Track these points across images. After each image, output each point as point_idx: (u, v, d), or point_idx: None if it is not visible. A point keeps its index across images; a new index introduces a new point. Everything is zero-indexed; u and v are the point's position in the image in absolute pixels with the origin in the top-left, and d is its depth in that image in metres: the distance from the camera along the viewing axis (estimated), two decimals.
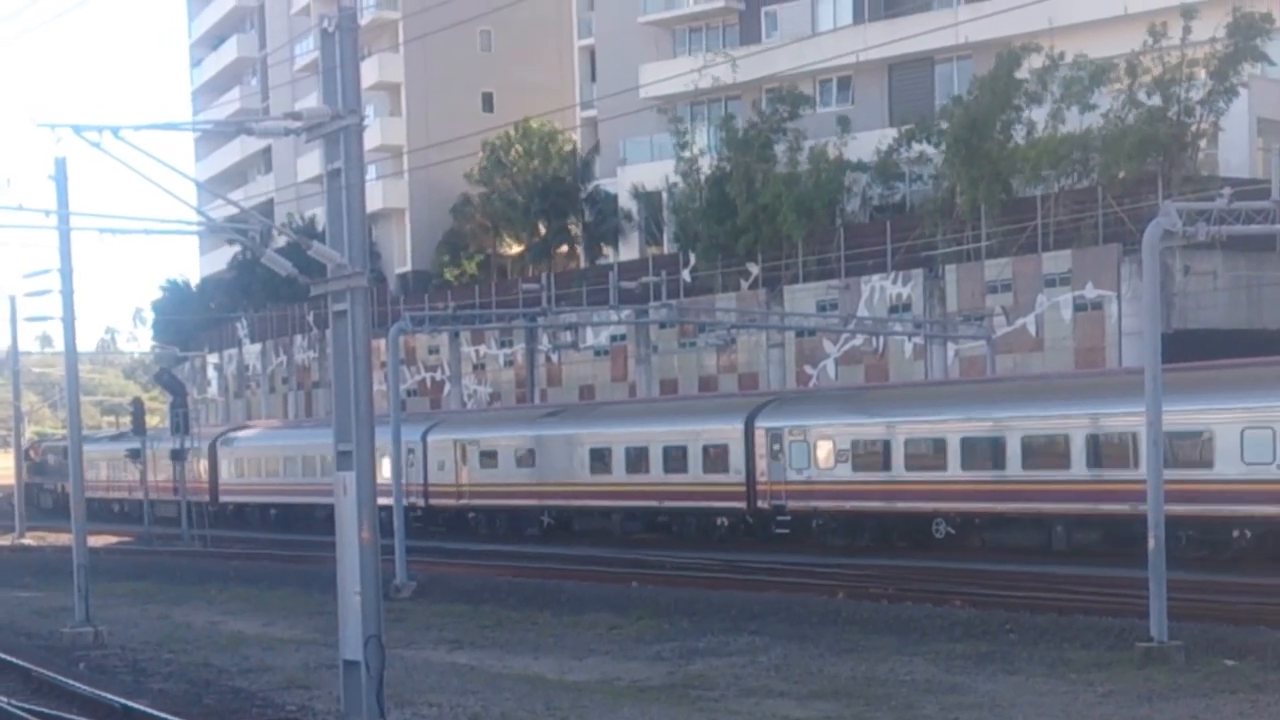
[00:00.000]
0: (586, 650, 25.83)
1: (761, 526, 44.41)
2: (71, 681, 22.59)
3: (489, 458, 52.62)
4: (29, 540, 63.98)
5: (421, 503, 54.41)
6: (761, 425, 44.19)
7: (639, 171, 70.03)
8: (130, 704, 20.07)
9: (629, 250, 72.18)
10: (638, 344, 64.76)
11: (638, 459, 47.43)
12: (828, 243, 58.65)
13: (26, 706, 20.28)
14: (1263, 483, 32.99)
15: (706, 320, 57.49)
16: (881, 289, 56.15)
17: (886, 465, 41.04)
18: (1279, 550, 33.12)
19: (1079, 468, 36.77)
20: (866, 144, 59.73)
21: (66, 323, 31.56)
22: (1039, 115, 53.00)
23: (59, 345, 39.17)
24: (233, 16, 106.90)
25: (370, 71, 79.36)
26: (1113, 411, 36.06)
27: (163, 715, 19.27)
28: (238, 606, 35.24)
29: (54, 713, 20.15)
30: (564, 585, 35.81)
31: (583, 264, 74.50)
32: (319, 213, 69.42)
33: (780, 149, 61.25)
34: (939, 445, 39.86)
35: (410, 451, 51.94)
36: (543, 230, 76.99)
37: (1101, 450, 36.45)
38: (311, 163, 79.85)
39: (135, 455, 64.87)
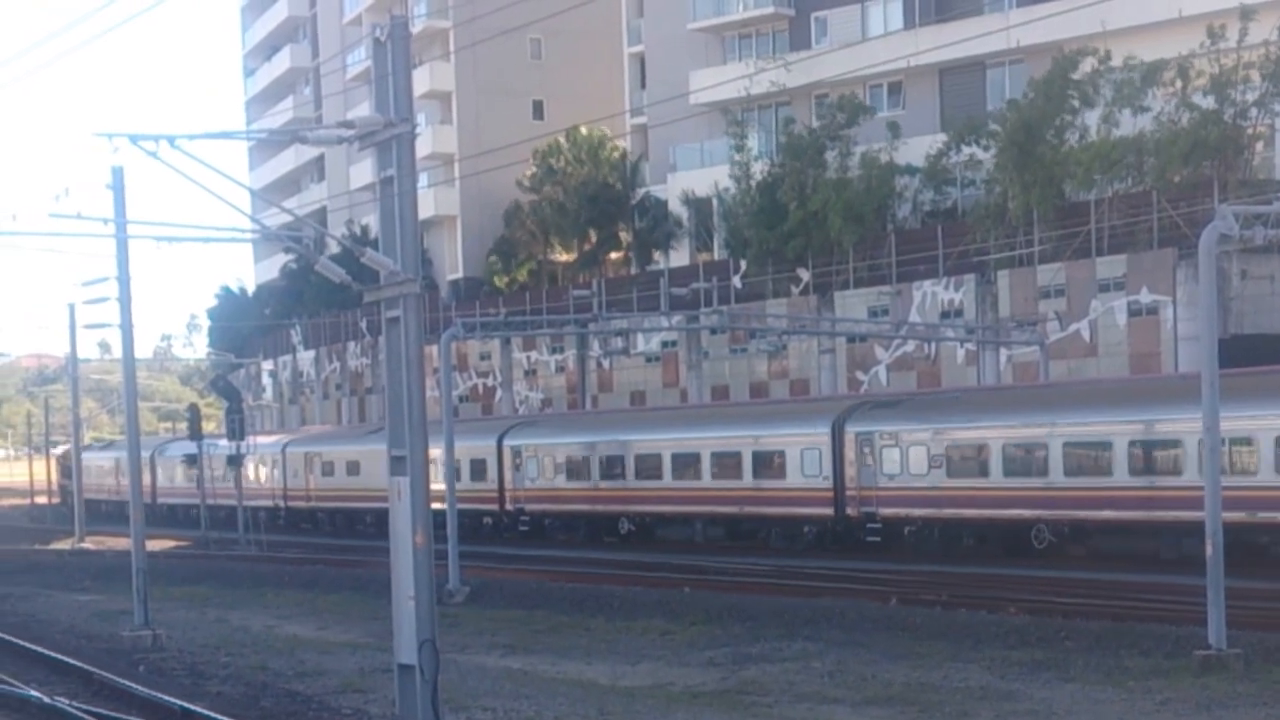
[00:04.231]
0: (639, 655, 25.87)
1: (511, 525, 54.51)
2: (131, 684, 22.80)
3: (329, 467, 63.22)
4: (88, 544, 64.62)
5: (282, 504, 66.05)
6: (508, 443, 54.40)
7: (689, 178, 70.01)
8: (189, 706, 20.22)
9: (679, 256, 72.17)
10: (689, 350, 64.74)
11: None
12: (879, 248, 58.47)
13: (87, 708, 20.49)
14: (816, 490, 43.69)
15: (757, 326, 57.43)
16: (933, 294, 55.95)
17: (588, 476, 51.25)
18: (833, 540, 43.48)
19: (707, 478, 47.29)
20: (918, 149, 59.50)
21: (124, 330, 31.84)
22: (1092, 119, 52.68)
23: (117, 352, 39.48)
24: (286, 27, 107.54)
25: (422, 80, 79.64)
26: (728, 434, 47.33)
27: (220, 717, 19.42)
28: (294, 610, 35.48)
29: (114, 714, 20.35)
30: (616, 590, 35.85)
31: (633, 270, 74.49)
32: (371, 220, 69.82)
33: (831, 155, 61.11)
34: (620, 460, 50.16)
35: (274, 461, 66.34)
36: (593, 237, 77.06)
37: (723, 463, 46.80)
38: (364, 171, 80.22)
39: (191, 461, 65.80)
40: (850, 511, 42.97)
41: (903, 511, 41.75)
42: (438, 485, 57.80)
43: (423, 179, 73.28)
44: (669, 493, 48.40)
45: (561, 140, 76.19)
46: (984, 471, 39.86)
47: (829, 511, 43.49)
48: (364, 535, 58.83)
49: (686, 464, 47.93)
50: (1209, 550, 22.09)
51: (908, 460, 41.46)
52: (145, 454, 77.10)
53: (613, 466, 50.42)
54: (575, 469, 51.82)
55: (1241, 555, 32.73)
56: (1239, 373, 35.79)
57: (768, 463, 45.41)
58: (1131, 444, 36.76)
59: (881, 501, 42.23)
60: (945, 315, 55.19)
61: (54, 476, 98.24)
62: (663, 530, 49.73)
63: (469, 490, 53.30)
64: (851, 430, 43.10)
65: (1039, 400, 41.76)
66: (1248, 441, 34.22)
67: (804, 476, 44.15)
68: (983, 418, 40.80)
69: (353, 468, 61.93)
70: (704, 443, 47.71)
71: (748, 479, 45.94)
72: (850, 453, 42.90)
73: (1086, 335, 51.00)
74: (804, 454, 44.23)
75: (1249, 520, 33.53)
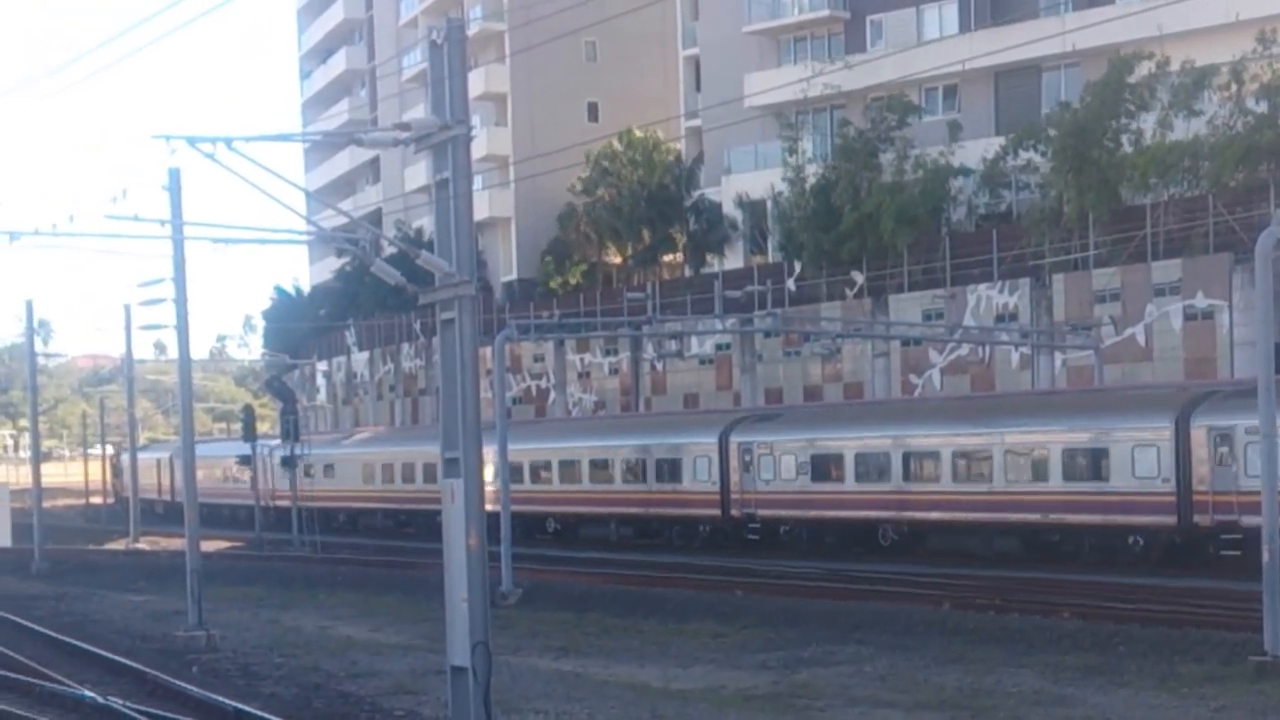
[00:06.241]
0: (691, 658, 25.84)
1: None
2: (185, 684, 22.95)
3: (309, 470, 66.50)
4: (143, 545, 65.10)
5: (271, 504, 67.93)
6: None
7: (743, 180, 69.93)
8: (242, 707, 20.35)
9: (733, 259, 72.09)
10: (743, 353, 64.69)
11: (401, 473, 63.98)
12: (933, 251, 58.28)
13: (141, 708, 20.64)
14: (706, 494, 48.53)
15: (811, 329, 57.27)
16: (988, 298, 55.70)
17: (521, 479, 53.33)
18: (724, 539, 48.07)
19: (619, 482, 52.03)
20: (973, 152, 59.23)
21: (180, 331, 32.05)
22: (1147, 123, 52.33)
23: (172, 353, 39.77)
24: (341, 29, 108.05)
25: (477, 82, 79.79)
26: (634, 443, 52.31)
27: (273, 718, 19.53)
28: (347, 612, 35.60)
29: (167, 714, 20.48)
30: (668, 593, 35.88)
31: (687, 273, 74.50)
32: (426, 222, 70.05)
33: (887, 158, 60.92)
34: (547, 465, 55.08)
35: (265, 463, 68.25)
36: (647, 239, 77.06)
37: (631, 469, 51.77)
38: (419, 173, 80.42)
39: (246, 461, 66.36)
40: (735, 513, 47.97)
41: (777, 513, 46.87)
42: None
43: (478, 181, 73.54)
44: (587, 495, 53.21)
45: (616, 143, 76.21)
46: (840, 477, 45.05)
47: (717, 513, 48.47)
48: (338, 532, 63.58)
49: (601, 469, 53.06)
50: (1265, 556, 21.89)
51: (780, 467, 46.56)
52: (165, 455, 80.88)
53: (539, 471, 55.07)
54: (510, 473, 54.23)
55: (1039, 553, 39.73)
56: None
57: (667, 469, 50.44)
58: (954, 454, 41.89)
59: (760, 504, 47.22)
60: (1000, 319, 54.93)
61: (108, 477, 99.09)
62: (584, 529, 53.88)
63: (423, 491, 58.34)
64: (735, 440, 48.23)
65: (885, 414, 48.18)
66: (1045, 449, 39.68)
67: (697, 481, 49.23)
68: (839, 430, 46.38)
69: (329, 471, 67.32)
70: (615, 451, 52.81)
71: (651, 483, 50.95)
72: (734, 460, 47.97)
73: (1142, 339, 50.66)
74: (697, 461, 49.35)
75: (1042, 521, 39.65)
